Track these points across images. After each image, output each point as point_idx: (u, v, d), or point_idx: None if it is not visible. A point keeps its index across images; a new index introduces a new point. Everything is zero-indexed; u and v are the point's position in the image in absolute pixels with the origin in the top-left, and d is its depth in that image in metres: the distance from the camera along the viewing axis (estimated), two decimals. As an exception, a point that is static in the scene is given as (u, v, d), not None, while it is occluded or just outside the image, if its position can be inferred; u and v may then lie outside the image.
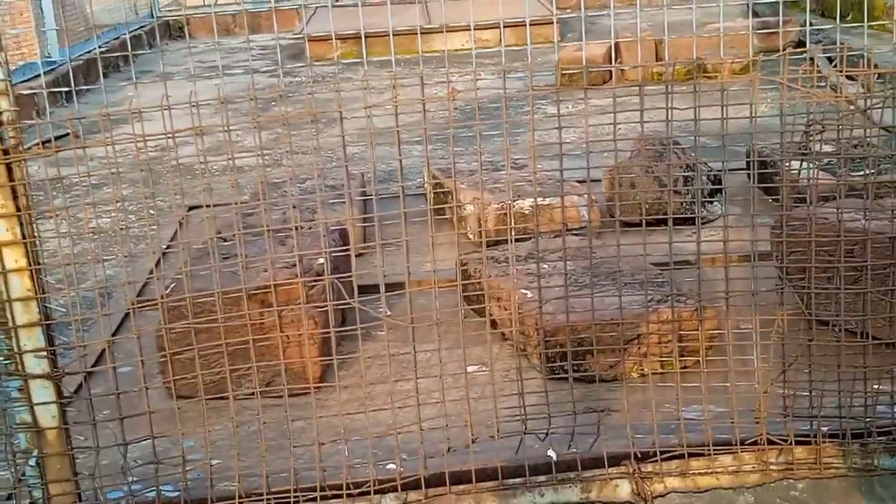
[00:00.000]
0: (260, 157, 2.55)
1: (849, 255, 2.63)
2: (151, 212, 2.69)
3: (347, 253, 2.99)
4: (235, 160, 2.44)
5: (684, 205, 4.00)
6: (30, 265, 2.29)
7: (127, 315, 3.34)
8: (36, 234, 2.31)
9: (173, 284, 3.14)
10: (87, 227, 3.71)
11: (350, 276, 3.09)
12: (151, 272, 3.94)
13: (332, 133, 2.47)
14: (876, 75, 4.50)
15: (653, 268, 3.16)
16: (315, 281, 3.01)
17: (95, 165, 2.44)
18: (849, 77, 5.91)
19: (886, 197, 3.25)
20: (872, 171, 3.52)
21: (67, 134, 2.44)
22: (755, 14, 8.19)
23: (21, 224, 2.27)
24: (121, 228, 2.56)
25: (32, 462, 2.37)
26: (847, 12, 6.80)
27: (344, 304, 2.75)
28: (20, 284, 2.29)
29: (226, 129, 2.42)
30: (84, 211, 3.61)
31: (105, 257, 3.83)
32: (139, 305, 2.75)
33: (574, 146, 2.59)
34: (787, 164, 3.52)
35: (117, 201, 2.46)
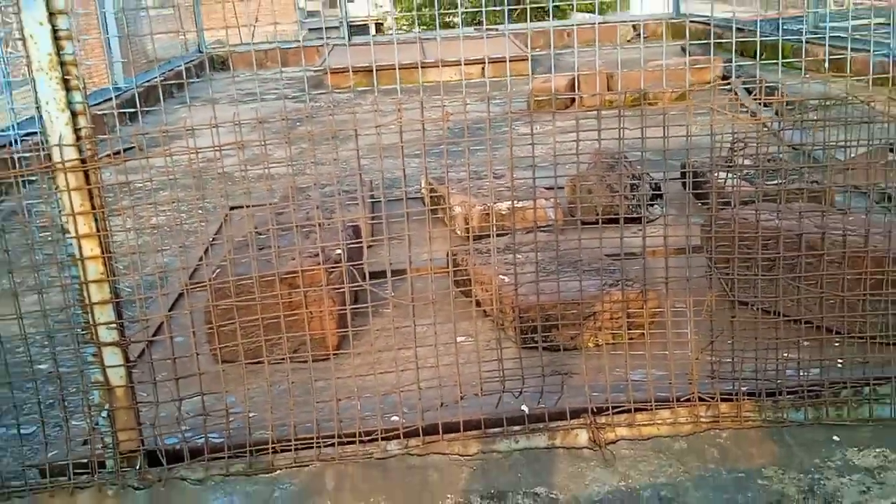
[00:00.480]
0: (289, 166, 2.54)
1: (764, 249, 2.64)
2: (200, 211, 2.69)
3: (360, 245, 2.99)
4: (269, 169, 2.43)
5: (631, 207, 4.00)
6: (102, 254, 2.28)
7: (181, 295, 3.33)
8: (107, 228, 2.30)
9: (218, 270, 3.13)
10: (148, 224, 3.69)
11: (362, 264, 3.08)
12: (201, 260, 3.94)
13: (347, 148, 2.46)
14: (786, 103, 4.50)
15: (606, 258, 3.16)
16: (333, 267, 3.01)
17: (155, 173, 2.43)
18: (764, 104, 5.92)
19: (794, 201, 3.26)
20: (783, 180, 3.52)
21: (132, 147, 2.42)
22: (689, 53, 8.20)
23: (96, 220, 2.26)
24: (175, 224, 2.54)
25: (104, 414, 2.36)
26: (763, 52, 6.79)
27: (357, 286, 2.75)
28: (95, 269, 2.28)
29: (262, 143, 2.41)
30: (146, 210, 3.61)
31: (162, 248, 3.82)
32: (191, 287, 2.74)
33: (543, 159, 2.58)
34: (715, 174, 3.53)
35: (173, 202, 2.45)
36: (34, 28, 2.14)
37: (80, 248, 2.26)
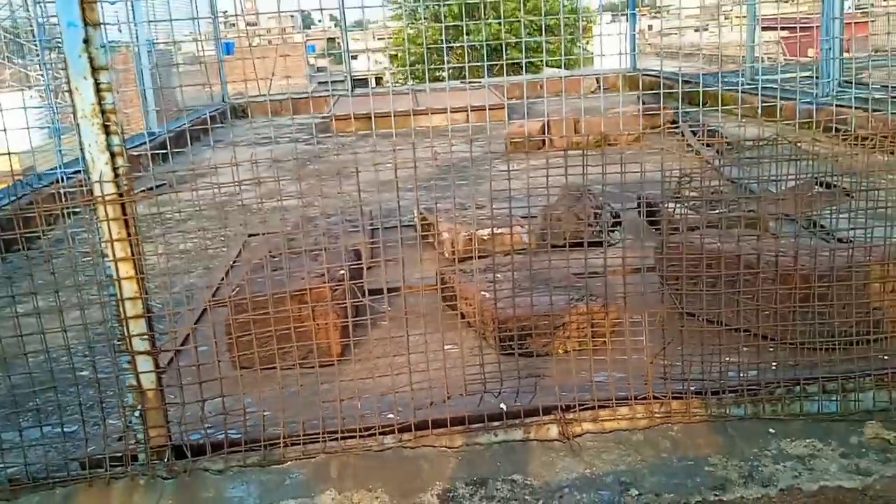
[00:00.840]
0: (299, 199, 2.55)
1: (708, 268, 2.65)
2: (222, 238, 2.69)
3: (360, 266, 2.99)
4: (282, 202, 2.43)
5: (594, 233, 4.02)
6: (136, 274, 2.27)
7: (205, 310, 3.32)
8: (141, 252, 2.30)
9: (238, 288, 3.12)
10: (177, 249, 3.67)
11: (362, 282, 3.08)
12: (222, 280, 3.92)
13: (349, 183, 2.47)
14: (725, 144, 4.54)
15: (573, 276, 3.17)
16: (337, 285, 3.00)
17: (183, 205, 2.43)
18: (707, 145, 5.96)
19: (734, 228, 3.28)
20: (724, 210, 3.55)
21: (164, 184, 2.43)
22: (643, 102, 8.27)
23: (131, 246, 2.26)
24: (201, 250, 2.54)
25: (137, 414, 2.34)
26: (706, 101, 6.87)
27: (358, 301, 2.74)
28: (130, 288, 2.27)
29: (276, 179, 2.42)
30: (175, 238, 3.61)
31: (189, 270, 3.81)
32: (213, 303, 2.73)
33: (519, 192, 2.59)
34: (666, 205, 3.55)
35: (198, 230, 2.45)
36: (79, 81, 2.15)
37: (117, 269, 2.25)
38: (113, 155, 2.21)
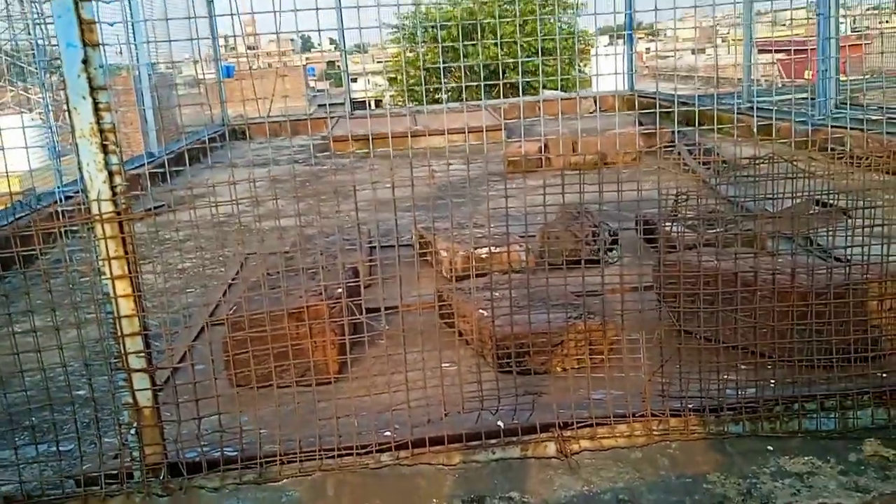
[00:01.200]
0: (297, 218, 2.56)
1: (706, 286, 2.66)
2: (221, 257, 2.69)
3: (358, 284, 2.99)
4: (280, 221, 2.44)
5: (592, 252, 4.02)
6: (133, 292, 2.28)
7: (202, 328, 3.32)
8: (138, 270, 2.30)
9: (235, 307, 3.12)
10: (176, 268, 3.68)
11: (360, 300, 3.08)
12: (220, 299, 3.92)
13: (348, 202, 2.48)
14: (721, 163, 4.57)
15: (571, 295, 3.17)
16: (335, 303, 3.00)
17: (182, 225, 2.44)
18: (704, 164, 5.99)
19: (730, 246, 3.29)
20: (721, 228, 3.56)
21: (163, 204, 2.43)
22: (640, 122, 8.32)
23: (128, 264, 2.26)
24: (199, 268, 2.54)
25: (133, 432, 2.33)
26: (703, 121, 6.91)
27: (355, 319, 2.74)
28: (127, 306, 2.27)
29: (274, 199, 2.43)
30: (173, 257, 3.61)
31: (187, 289, 3.81)
32: (211, 322, 2.73)
33: (516, 212, 2.60)
34: (663, 223, 3.56)
35: (197, 250, 2.45)
36: (78, 101, 2.17)
37: (113, 287, 2.26)
38: (111, 174, 2.22)
